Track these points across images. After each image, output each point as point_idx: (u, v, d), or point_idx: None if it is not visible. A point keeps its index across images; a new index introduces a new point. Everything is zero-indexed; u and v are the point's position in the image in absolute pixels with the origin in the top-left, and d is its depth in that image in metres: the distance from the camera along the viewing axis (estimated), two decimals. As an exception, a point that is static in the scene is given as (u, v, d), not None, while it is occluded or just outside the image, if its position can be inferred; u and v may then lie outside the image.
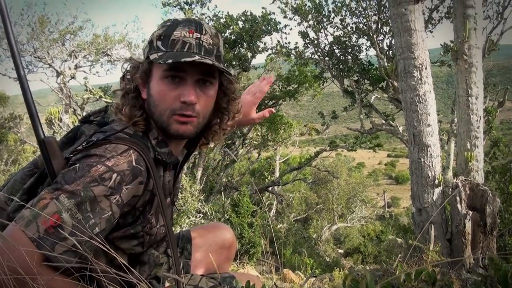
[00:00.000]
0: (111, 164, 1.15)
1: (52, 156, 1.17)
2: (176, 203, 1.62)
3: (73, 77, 11.69)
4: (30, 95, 1.18)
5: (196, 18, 1.40)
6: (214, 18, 10.11)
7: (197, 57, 1.24)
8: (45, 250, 1.00)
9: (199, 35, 1.30)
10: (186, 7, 10.05)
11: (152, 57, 1.27)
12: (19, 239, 1.00)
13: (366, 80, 10.24)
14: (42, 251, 1.00)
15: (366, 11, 9.38)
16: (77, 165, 1.15)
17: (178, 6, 10.11)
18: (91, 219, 1.09)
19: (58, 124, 11.24)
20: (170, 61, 1.21)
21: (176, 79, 1.28)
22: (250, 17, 9.90)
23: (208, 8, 10.38)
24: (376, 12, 9.30)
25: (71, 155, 1.21)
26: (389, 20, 8.16)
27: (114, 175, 1.14)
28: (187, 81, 1.29)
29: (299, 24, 10.10)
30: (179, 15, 10.29)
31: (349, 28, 9.97)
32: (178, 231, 1.87)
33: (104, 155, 1.17)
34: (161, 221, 1.37)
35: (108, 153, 1.18)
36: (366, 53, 10.24)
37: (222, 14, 10.13)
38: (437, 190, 4.33)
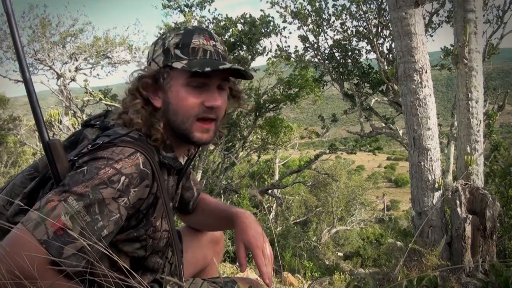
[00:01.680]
0: (119, 166, 1.16)
1: (56, 159, 1.18)
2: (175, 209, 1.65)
3: (73, 80, 11.70)
4: (36, 98, 1.20)
5: (203, 26, 1.43)
6: (214, 21, 10.13)
7: (228, 65, 1.28)
8: (54, 252, 1.01)
9: (214, 43, 1.34)
10: (186, 9, 10.05)
11: (177, 65, 1.28)
12: (27, 242, 1.00)
13: (366, 84, 10.25)
14: (51, 253, 1.01)
15: (366, 15, 9.39)
16: (85, 167, 1.15)
17: (178, 9, 10.12)
18: (100, 221, 1.10)
19: (58, 126, 11.26)
20: (208, 69, 1.24)
21: (199, 86, 1.31)
22: (249, 19, 9.91)
23: (209, 11, 10.35)
24: (376, 16, 9.32)
25: (76, 158, 1.21)
26: (389, 24, 8.18)
27: (123, 178, 1.16)
28: (210, 86, 1.32)
29: (299, 28, 10.11)
30: (179, 18, 10.31)
31: (349, 31, 9.99)
32: None
33: (112, 158, 1.17)
34: (164, 225, 1.38)
35: (116, 155, 1.18)
36: (366, 57, 10.27)
37: (221, 17, 10.15)
38: (437, 194, 4.33)
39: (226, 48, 1.41)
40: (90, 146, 1.23)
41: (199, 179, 10.06)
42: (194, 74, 1.28)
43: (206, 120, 1.33)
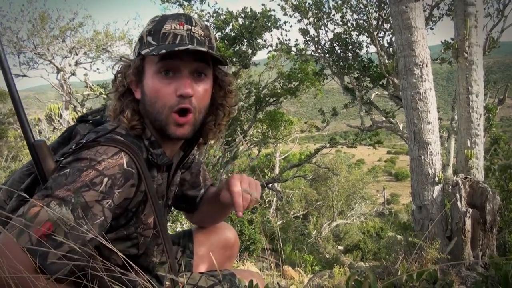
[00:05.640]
0: (102, 168, 1.14)
1: (42, 160, 1.15)
2: (169, 206, 1.59)
3: (73, 74, 11.70)
4: (19, 98, 1.16)
5: (186, 12, 1.39)
6: (214, 15, 10.09)
7: (190, 46, 1.22)
8: (39, 259, 1.00)
9: (189, 27, 1.27)
10: (186, 3, 10.02)
11: (144, 52, 1.23)
12: (11, 249, 0.98)
13: (366, 77, 10.24)
14: (36, 260, 0.99)
15: (367, 8, 9.37)
16: (67, 169, 1.12)
17: (178, 3, 10.08)
18: (84, 225, 1.07)
19: (58, 121, 11.26)
20: (163, 51, 1.18)
21: (170, 73, 1.25)
22: (250, 13, 9.88)
23: (208, 5, 10.32)
24: (377, 9, 9.30)
25: (62, 158, 1.19)
26: (390, 17, 8.16)
27: (105, 179, 1.13)
28: (182, 73, 1.25)
29: (299, 21, 10.10)
30: (178, 12, 10.27)
31: (349, 25, 9.97)
32: (179, 230, 1.86)
33: (95, 159, 1.15)
34: (156, 223, 1.34)
35: (99, 156, 1.15)
36: (367, 50, 10.26)
37: (222, 11, 10.11)
38: (437, 188, 4.34)
39: (212, 35, 1.34)
40: (75, 145, 1.20)
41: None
42: (162, 59, 1.23)
43: (181, 113, 1.27)
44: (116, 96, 1.31)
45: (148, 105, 1.28)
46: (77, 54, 11.97)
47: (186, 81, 1.25)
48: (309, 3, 9.83)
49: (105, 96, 10.30)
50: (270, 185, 13.37)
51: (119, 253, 1.06)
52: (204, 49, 1.23)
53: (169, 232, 1.73)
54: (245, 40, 9.89)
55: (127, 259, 1.07)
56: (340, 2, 9.77)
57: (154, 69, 1.25)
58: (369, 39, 9.79)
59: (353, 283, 0.78)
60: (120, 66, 1.34)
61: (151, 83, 1.26)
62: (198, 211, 1.75)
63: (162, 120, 1.26)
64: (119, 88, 1.31)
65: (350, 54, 10.23)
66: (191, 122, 1.30)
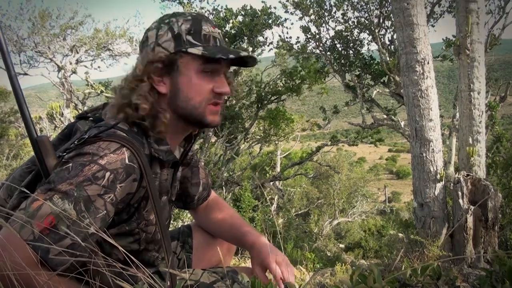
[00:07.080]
0: (104, 162, 1.15)
1: (45, 155, 1.16)
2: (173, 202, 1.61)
3: (74, 72, 11.69)
4: (22, 94, 1.16)
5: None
6: (214, 12, 10.07)
7: (245, 53, 1.35)
8: (41, 252, 1.00)
9: (218, 30, 1.38)
10: (185, 1, 9.99)
11: (194, 51, 1.28)
12: (14, 243, 0.99)
13: (367, 75, 10.22)
14: (38, 253, 1.00)
15: (368, 5, 9.35)
16: (70, 164, 1.14)
17: (177, 1, 10.06)
18: (86, 219, 1.08)
19: (60, 119, 11.26)
20: (232, 56, 1.29)
21: (209, 72, 1.33)
22: (250, 11, 9.86)
23: (207, 2, 10.29)
24: (378, 6, 9.27)
25: (64, 153, 1.20)
26: (391, 14, 8.14)
27: (107, 174, 1.14)
28: (220, 73, 1.36)
29: (300, 18, 10.07)
30: (177, 10, 10.24)
31: (350, 22, 9.95)
32: (179, 226, 1.87)
33: (97, 154, 1.16)
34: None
35: (101, 151, 1.17)
36: (368, 48, 10.24)
37: (221, 8, 10.09)
38: (439, 185, 4.33)
39: None
40: (77, 140, 1.21)
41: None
42: (208, 60, 1.30)
43: (217, 104, 1.38)
44: (144, 93, 1.30)
45: (182, 100, 1.33)
46: (78, 52, 11.97)
47: (224, 81, 1.37)
48: (310, 1, 9.80)
49: (106, 94, 10.29)
50: (271, 183, 13.38)
51: (120, 248, 1.05)
52: (253, 55, 1.40)
53: (170, 228, 1.74)
54: (245, 38, 9.87)
55: (129, 254, 1.07)
56: (341, -1, 9.75)
57: (197, 67, 1.31)
58: (371, 37, 9.78)
59: (357, 278, 0.78)
60: (145, 61, 1.31)
61: (192, 80, 1.31)
62: (208, 221, 1.79)
63: (200, 113, 1.34)
64: (143, 83, 1.30)
65: (351, 51, 10.20)
66: (221, 112, 1.42)
